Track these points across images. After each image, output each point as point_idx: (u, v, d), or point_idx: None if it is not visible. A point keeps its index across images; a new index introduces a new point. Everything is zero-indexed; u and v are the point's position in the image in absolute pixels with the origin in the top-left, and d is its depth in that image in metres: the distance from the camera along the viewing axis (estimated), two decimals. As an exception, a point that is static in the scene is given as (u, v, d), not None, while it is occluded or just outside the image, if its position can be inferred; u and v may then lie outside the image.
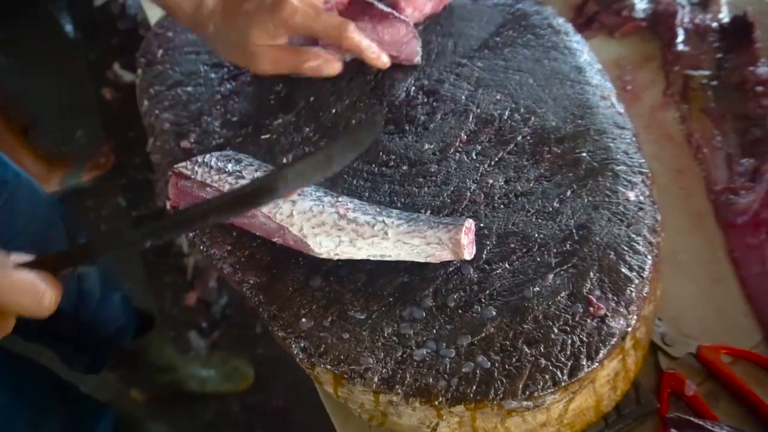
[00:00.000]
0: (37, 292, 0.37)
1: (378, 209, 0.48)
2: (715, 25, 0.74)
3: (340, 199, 0.49)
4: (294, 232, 0.47)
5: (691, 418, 0.46)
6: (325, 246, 0.46)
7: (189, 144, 0.60)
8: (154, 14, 0.89)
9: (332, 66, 0.58)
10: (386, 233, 0.46)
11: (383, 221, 0.47)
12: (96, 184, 1.71)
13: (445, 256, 0.46)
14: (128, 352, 1.18)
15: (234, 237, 0.53)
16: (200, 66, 0.68)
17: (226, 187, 0.49)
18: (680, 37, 0.73)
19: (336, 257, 0.47)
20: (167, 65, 0.69)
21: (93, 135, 1.82)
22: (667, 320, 0.54)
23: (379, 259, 0.47)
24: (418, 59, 0.62)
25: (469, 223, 0.47)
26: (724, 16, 0.76)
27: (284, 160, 0.57)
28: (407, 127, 0.58)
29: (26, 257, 0.39)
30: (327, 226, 0.46)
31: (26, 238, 0.80)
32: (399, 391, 0.43)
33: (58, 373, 1.00)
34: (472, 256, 0.47)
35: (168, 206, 0.54)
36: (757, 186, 0.58)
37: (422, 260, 0.47)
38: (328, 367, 0.44)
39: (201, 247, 0.54)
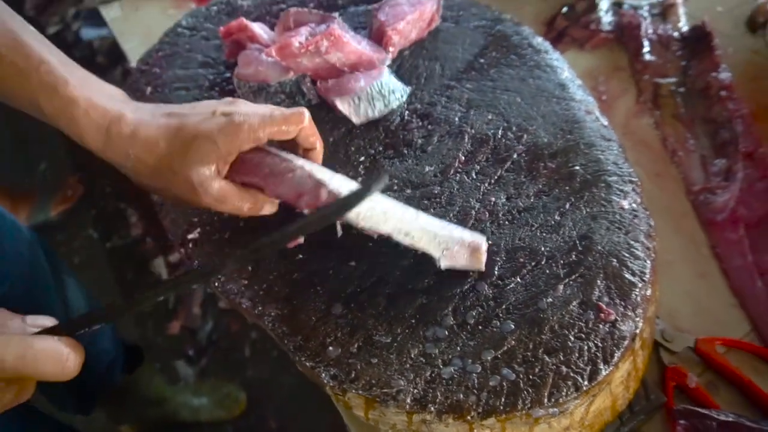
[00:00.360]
0: (60, 359, 0.37)
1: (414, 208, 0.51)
2: (676, 34, 0.79)
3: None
4: (331, 187, 0.47)
5: (696, 408, 0.50)
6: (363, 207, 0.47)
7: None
8: (131, 48, 0.88)
9: (271, 207, 0.52)
10: (417, 218, 0.49)
11: (417, 211, 0.50)
12: (65, 218, 1.67)
13: (461, 256, 0.49)
14: (117, 387, 1.15)
15: (250, 271, 0.54)
16: (192, 102, 0.68)
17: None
18: (646, 47, 0.78)
19: (362, 223, 0.47)
20: (158, 103, 0.69)
21: (58, 166, 1.77)
22: (664, 317, 0.58)
23: (401, 238, 0.48)
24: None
25: (487, 243, 0.50)
26: (683, 25, 0.82)
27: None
28: (406, 151, 0.60)
29: (44, 319, 0.39)
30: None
31: (15, 279, 0.78)
32: (432, 409, 0.44)
33: (48, 413, 0.98)
34: (483, 269, 0.50)
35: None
36: (732, 185, 0.63)
37: (438, 254, 0.49)
38: (361, 392, 0.46)
39: (215, 284, 0.54)
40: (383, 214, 0.48)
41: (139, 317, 1.51)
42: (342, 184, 0.49)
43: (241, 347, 1.43)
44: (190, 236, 0.57)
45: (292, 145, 0.52)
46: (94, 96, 0.48)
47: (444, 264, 0.49)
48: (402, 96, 0.63)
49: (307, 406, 1.31)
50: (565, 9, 0.84)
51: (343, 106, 0.61)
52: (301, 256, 0.53)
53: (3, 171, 1.75)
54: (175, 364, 1.43)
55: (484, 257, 0.50)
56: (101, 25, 1.09)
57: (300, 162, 0.49)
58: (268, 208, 0.52)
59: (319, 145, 0.53)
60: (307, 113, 0.50)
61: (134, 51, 0.87)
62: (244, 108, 0.49)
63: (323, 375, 0.47)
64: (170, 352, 1.45)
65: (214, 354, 1.45)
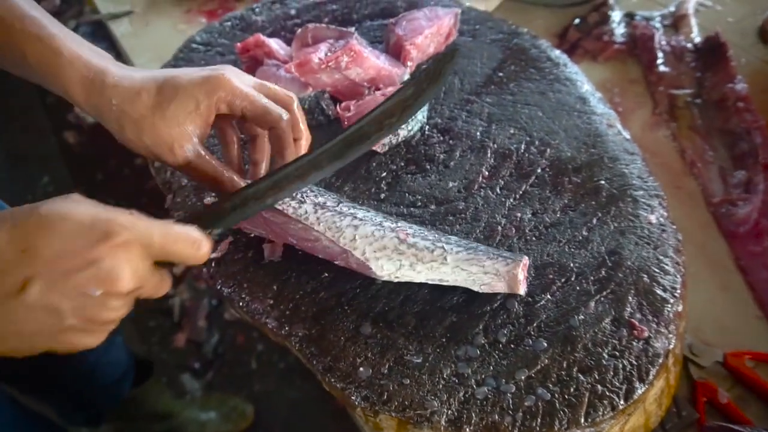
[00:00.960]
0: (196, 242, 0.40)
1: (437, 235, 0.50)
2: (689, 45, 0.79)
3: (399, 224, 0.50)
4: (357, 256, 0.48)
5: (729, 425, 0.49)
6: (387, 269, 0.48)
7: (212, 199, 0.60)
8: (141, 64, 0.88)
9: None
10: (445, 259, 0.48)
11: (443, 247, 0.48)
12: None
13: (500, 288, 0.49)
14: (124, 401, 1.14)
15: (275, 290, 0.53)
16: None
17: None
18: (660, 59, 0.78)
19: (396, 279, 0.49)
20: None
21: (59, 181, 1.76)
22: (690, 331, 0.57)
23: (437, 283, 0.49)
24: None
25: (526, 260, 0.49)
26: (696, 36, 0.82)
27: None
28: (428, 167, 0.60)
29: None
30: (388, 250, 0.48)
31: None
32: (467, 430, 0.44)
33: (58, 426, 0.97)
34: (525, 292, 0.49)
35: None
36: (753, 196, 0.63)
37: (476, 289, 0.49)
38: (393, 414, 0.45)
39: (240, 304, 0.54)
40: (412, 269, 0.48)
41: (144, 331, 1.50)
42: (368, 242, 0.49)
43: (247, 360, 1.42)
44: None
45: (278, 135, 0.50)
46: (79, 49, 0.48)
47: (484, 291, 0.49)
48: (423, 116, 0.63)
49: (314, 419, 1.29)
50: (577, 21, 0.84)
51: None
52: (327, 275, 0.53)
53: (3, 188, 1.74)
54: (181, 378, 1.42)
55: (522, 285, 0.48)
56: (102, 39, 1.08)
57: (320, 227, 0.49)
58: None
59: (305, 137, 0.51)
60: (285, 119, 0.49)
61: (145, 66, 0.87)
62: (234, 71, 0.49)
63: (354, 396, 0.47)
64: (176, 365, 1.43)
65: (220, 367, 1.44)
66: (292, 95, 0.50)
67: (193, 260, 0.40)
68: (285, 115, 0.49)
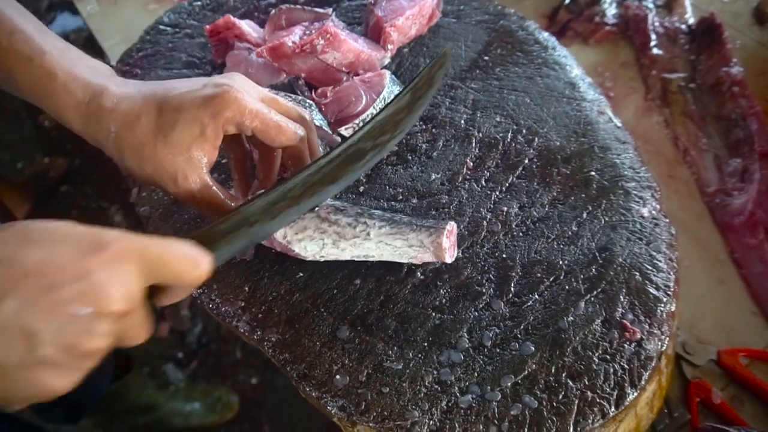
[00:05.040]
0: (193, 257, 0.35)
1: (359, 210, 0.48)
2: (684, 27, 0.76)
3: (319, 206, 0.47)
4: (279, 239, 0.46)
5: (724, 427, 0.47)
6: (311, 250, 0.46)
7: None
8: (111, 46, 0.83)
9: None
10: (368, 234, 0.46)
11: (365, 222, 0.46)
12: (47, 217, 1.61)
13: (427, 258, 0.47)
14: (105, 396, 1.11)
15: (247, 292, 0.50)
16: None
17: None
18: (653, 41, 0.75)
19: (322, 259, 0.47)
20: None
21: (36, 165, 1.71)
22: (684, 328, 0.55)
23: (363, 259, 0.47)
24: None
25: (451, 226, 0.47)
26: (690, 17, 0.79)
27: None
28: (410, 157, 0.57)
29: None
30: (310, 230, 0.46)
31: None
32: (450, 442, 0.41)
33: (35, 424, 0.94)
34: (453, 259, 0.48)
35: None
36: (748, 186, 0.60)
37: (404, 261, 0.47)
38: (372, 425, 0.43)
39: (210, 306, 0.50)
40: (335, 247, 0.46)
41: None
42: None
43: (232, 349, 1.40)
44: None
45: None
46: (74, 68, 0.43)
47: (414, 263, 0.48)
48: None
49: (301, 410, 1.28)
50: (567, 1, 0.80)
51: (347, 132, 0.57)
52: (301, 275, 0.50)
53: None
54: (165, 368, 1.39)
55: (447, 253, 0.46)
56: (77, 15, 1.03)
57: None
58: None
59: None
60: (300, 135, 0.44)
61: (114, 49, 0.82)
62: (241, 83, 0.43)
63: (330, 406, 0.44)
64: (159, 356, 1.41)
65: (204, 357, 1.41)
66: (306, 112, 0.46)
67: (190, 280, 0.35)
68: (301, 132, 0.44)
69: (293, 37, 0.58)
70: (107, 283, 0.31)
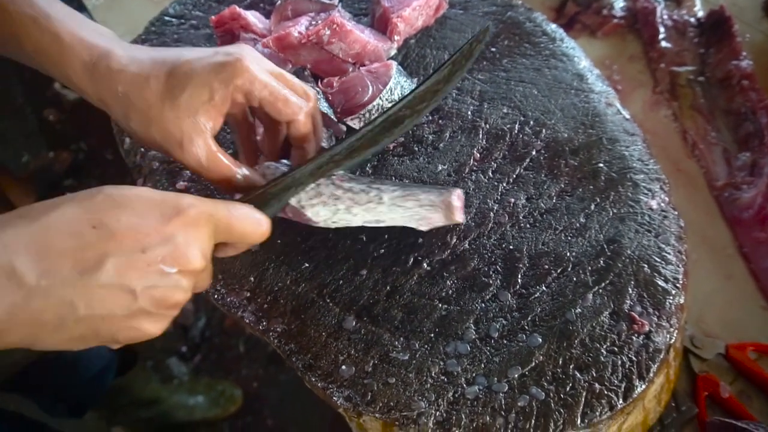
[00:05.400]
0: (257, 218, 0.40)
1: (372, 179, 0.48)
2: (693, 20, 0.75)
3: (334, 171, 0.47)
4: (293, 203, 0.46)
5: (732, 421, 0.47)
6: (323, 215, 0.46)
7: (185, 184, 0.56)
8: (111, 29, 0.83)
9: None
10: (381, 198, 0.46)
11: (378, 187, 0.47)
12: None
13: (437, 219, 0.47)
14: (109, 389, 1.12)
15: (252, 282, 0.50)
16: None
17: None
18: (661, 34, 0.74)
19: (333, 225, 0.47)
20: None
21: (41, 159, 1.71)
22: (692, 321, 0.55)
23: (374, 225, 0.47)
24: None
25: (460, 192, 0.48)
26: (699, 10, 0.78)
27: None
28: (416, 148, 0.56)
29: None
30: (324, 196, 0.46)
31: None
32: (457, 433, 0.41)
33: (38, 419, 0.94)
34: (464, 221, 0.49)
35: None
36: (758, 180, 0.60)
37: (415, 225, 0.48)
38: (378, 415, 0.42)
39: (215, 296, 0.50)
40: (348, 213, 0.47)
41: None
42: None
43: (235, 343, 1.40)
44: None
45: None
46: (80, 31, 0.43)
47: (425, 229, 0.48)
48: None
49: (304, 403, 1.28)
50: (575, -7, 0.80)
51: (353, 123, 0.56)
52: (307, 265, 0.50)
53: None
54: (169, 362, 1.39)
55: (458, 213, 0.47)
56: (80, 9, 1.03)
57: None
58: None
59: (309, 149, 0.47)
60: (305, 110, 0.44)
61: (118, 40, 0.82)
62: (252, 54, 0.43)
63: (336, 397, 0.44)
64: (163, 350, 1.41)
65: (208, 351, 1.41)
66: (312, 91, 0.46)
67: (256, 238, 0.40)
68: (306, 107, 0.45)
69: (299, 27, 0.58)
70: (188, 245, 0.35)
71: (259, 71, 0.43)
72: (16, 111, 1.76)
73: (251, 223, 0.39)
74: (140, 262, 0.34)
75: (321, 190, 0.46)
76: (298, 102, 0.44)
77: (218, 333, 1.42)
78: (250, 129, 0.49)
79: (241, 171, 0.44)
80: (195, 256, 0.35)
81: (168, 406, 1.25)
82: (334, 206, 0.46)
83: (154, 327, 0.36)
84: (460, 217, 0.47)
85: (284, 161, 0.48)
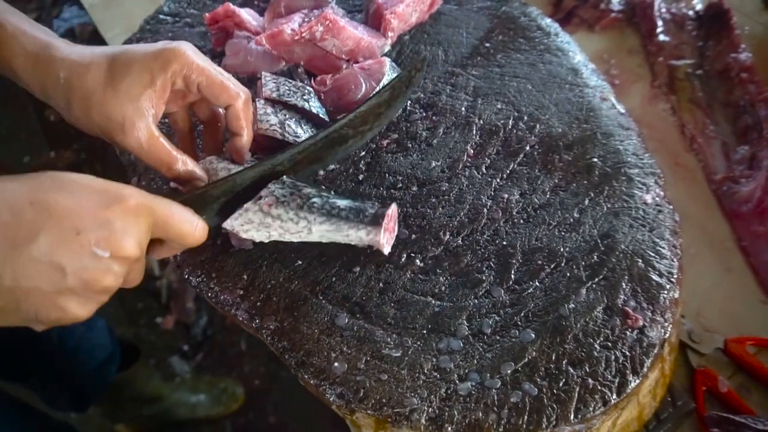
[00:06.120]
0: (193, 222, 0.41)
1: (299, 203, 0.47)
2: (691, 13, 0.75)
3: (261, 193, 0.47)
4: (226, 227, 0.47)
5: (731, 416, 0.47)
6: (258, 238, 0.48)
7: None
8: (113, 36, 0.83)
9: (198, 182, 0.48)
10: (310, 230, 0.47)
11: (305, 218, 0.47)
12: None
13: (368, 244, 0.48)
14: (112, 385, 1.12)
15: (246, 280, 0.49)
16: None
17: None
18: (659, 28, 0.73)
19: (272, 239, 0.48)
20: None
21: (41, 158, 1.72)
22: (690, 316, 0.54)
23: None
24: None
25: (392, 210, 0.48)
26: (698, 3, 0.77)
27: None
28: (410, 145, 0.56)
29: None
30: (255, 223, 0.47)
31: None
32: (449, 429, 0.41)
33: (44, 411, 0.95)
34: (391, 247, 0.49)
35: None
36: (757, 173, 0.59)
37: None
38: (370, 412, 0.42)
39: (209, 294, 0.50)
40: (282, 238, 0.47)
41: (132, 314, 1.47)
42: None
43: (237, 341, 1.40)
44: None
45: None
46: (22, 24, 0.45)
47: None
48: None
49: (306, 401, 1.27)
50: (572, -13, 0.79)
51: None
52: (300, 262, 0.49)
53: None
54: (171, 360, 1.40)
55: (386, 248, 0.48)
56: (83, 9, 1.03)
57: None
58: (194, 183, 0.48)
59: (245, 135, 0.49)
60: (242, 97, 0.47)
61: (116, 39, 0.82)
62: (190, 46, 0.46)
63: (329, 394, 0.44)
64: (165, 348, 1.41)
65: (209, 349, 1.42)
66: (241, 92, 0.47)
67: (191, 241, 0.41)
68: (243, 94, 0.47)
69: (292, 24, 0.58)
70: (124, 232, 0.36)
71: (196, 57, 0.45)
72: (18, 111, 1.77)
73: (189, 225, 0.41)
74: (74, 242, 0.34)
75: (251, 217, 0.47)
76: (236, 87, 0.46)
77: (220, 331, 1.43)
78: (190, 128, 0.52)
79: (181, 157, 0.46)
80: (130, 244, 0.36)
81: (170, 404, 1.25)
82: (266, 232, 0.47)
83: (80, 309, 0.36)
84: (387, 250, 0.48)
85: (224, 156, 0.50)
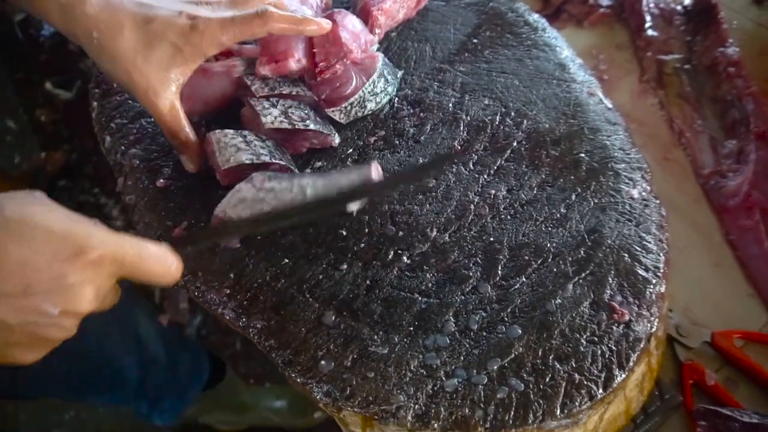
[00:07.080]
0: (167, 259, 0.39)
1: (291, 175, 0.49)
2: (679, 8, 0.75)
3: (253, 174, 0.48)
4: (216, 212, 0.47)
5: (718, 408, 0.47)
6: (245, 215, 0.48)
7: (165, 182, 0.55)
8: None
9: (191, 167, 0.53)
10: (305, 192, 0.47)
11: (299, 182, 0.47)
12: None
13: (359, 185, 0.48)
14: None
15: (232, 279, 0.49)
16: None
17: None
18: (648, 23, 0.73)
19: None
20: (126, 95, 0.64)
21: (32, 159, 1.71)
22: (678, 310, 0.54)
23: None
24: None
25: (376, 164, 0.49)
26: (686, -3, 0.77)
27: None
28: (397, 142, 0.56)
29: None
30: (248, 201, 0.47)
31: None
32: (436, 426, 0.41)
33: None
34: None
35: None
36: (744, 167, 0.59)
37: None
38: (357, 410, 0.42)
39: (195, 293, 0.50)
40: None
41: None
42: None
43: (232, 342, 1.39)
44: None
45: None
46: None
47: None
48: (392, 89, 0.59)
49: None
50: (560, -17, 0.79)
51: (334, 114, 0.56)
52: (287, 261, 0.49)
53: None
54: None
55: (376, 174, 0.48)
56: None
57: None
58: (190, 167, 0.52)
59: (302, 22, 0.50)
60: (270, 13, 0.47)
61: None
62: (206, 13, 0.47)
63: (315, 392, 0.43)
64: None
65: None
66: (266, 10, 0.48)
67: (163, 281, 0.39)
68: (270, 7, 0.48)
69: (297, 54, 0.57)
70: (80, 287, 0.34)
71: (216, 26, 0.46)
72: (7, 111, 1.76)
73: (161, 266, 0.39)
74: (21, 301, 0.33)
75: (244, 195, 0.47)
76: (258, 13, 0.47)
77: (214, 331, 1.42)
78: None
79: (190, 131, 0.49)
80: (85, 299, 0.35)
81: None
82: (259, 209, 0.47)
83: (28, 356, 0.36)
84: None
85: (229, 131, 0.50)
